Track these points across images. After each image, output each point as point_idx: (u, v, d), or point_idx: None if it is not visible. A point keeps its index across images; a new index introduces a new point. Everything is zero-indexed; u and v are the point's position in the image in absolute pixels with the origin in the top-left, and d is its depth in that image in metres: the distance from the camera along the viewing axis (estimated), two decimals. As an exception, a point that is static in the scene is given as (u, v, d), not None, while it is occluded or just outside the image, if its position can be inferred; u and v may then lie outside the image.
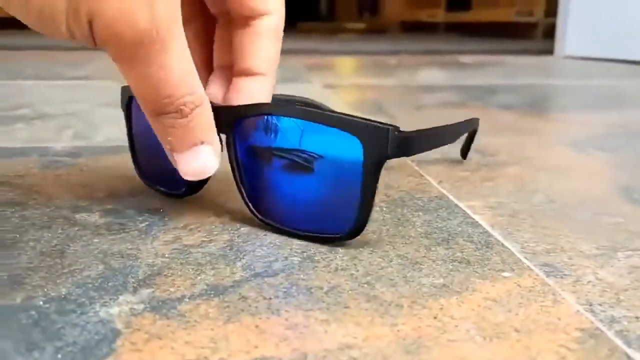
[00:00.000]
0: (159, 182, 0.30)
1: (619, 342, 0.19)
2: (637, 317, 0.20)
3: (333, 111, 0.27)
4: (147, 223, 0.27)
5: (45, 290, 0.21)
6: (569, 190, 0.33)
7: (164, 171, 0.27)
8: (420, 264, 0.23)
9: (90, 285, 0.21)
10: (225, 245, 0.25)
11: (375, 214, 0.28)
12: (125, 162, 0.35)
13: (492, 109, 0.61)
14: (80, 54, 1.16)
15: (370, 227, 0.27)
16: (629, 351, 0.18)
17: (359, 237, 0.25)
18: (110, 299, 0.20)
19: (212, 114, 0.23)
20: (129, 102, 0.30)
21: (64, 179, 0.33)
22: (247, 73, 0.26)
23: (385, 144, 0.23)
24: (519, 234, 0.27)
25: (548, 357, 0.18)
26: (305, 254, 0.24)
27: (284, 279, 0.22)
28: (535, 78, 0.88)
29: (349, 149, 0.23)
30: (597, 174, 0.37)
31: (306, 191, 0.25)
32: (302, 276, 0.22)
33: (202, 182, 0.28)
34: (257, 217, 0.26)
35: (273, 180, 0.26)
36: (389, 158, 0.23)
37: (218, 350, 0.18)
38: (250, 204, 0.26)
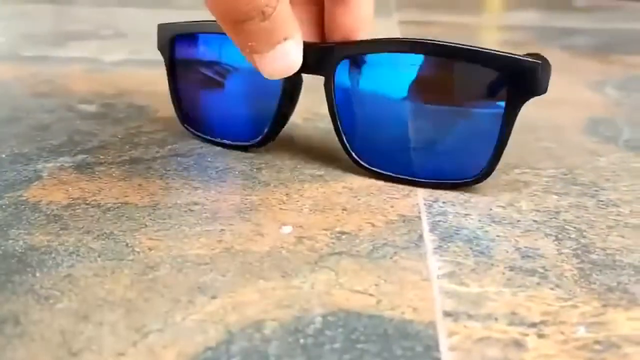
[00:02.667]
0: (221, 134, 0.28)
1: (425, 227, 0.21)
2: (465, 215, 0.22)
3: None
4: (124, 114, 0.33)
5: (14, 149, 0.27)
6: (538, 118, 0.33)
7: (231, 120, 0.27)
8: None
9: (47, 149, 0.28)
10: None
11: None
12: (152, 76, 0.41)
13: (552, 49, 0.60)
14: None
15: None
16: (426, 235, 0.21)
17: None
18: (52, 158, 0.27)
19: (289, 6, 0.22)
20: (172, 43, 0.28)
21: (90, 78, 0.40)
22: None
23: (535, 79, 0.22)
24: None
25: (347, 228, 0.21)
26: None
27: (193, 158, 0.27)
28: (633, 23, 0.82)
29: (491, 87, 0.22)
30: (584, 107, 0.37)
31: (432, 137, 0.24)
32: (210, 158, 0.27)
33: (280, 127, 0.27)
34: (365, 167, 0.25)
35: (387, 128, 0.25)
36: (537, 94, 0.22)
37: (99, 194, 0.23)
38: (353, 153, 0.25)
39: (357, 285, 0.18)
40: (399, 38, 0.25)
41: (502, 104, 0.22)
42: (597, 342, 0.16)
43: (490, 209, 0.23)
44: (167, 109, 0.33)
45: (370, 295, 0.17)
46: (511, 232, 0.21)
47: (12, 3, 0.76)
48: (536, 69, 0.22)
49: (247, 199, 0.23)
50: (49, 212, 0.22)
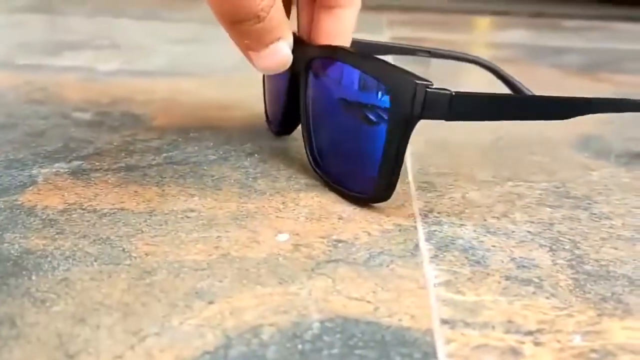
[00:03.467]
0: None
1: (421, 237, 0.22)
2: (461, 225, 0.23)
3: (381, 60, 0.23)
4: (119, 122, 0.33)
5: (9, 155, 0.27)
6: (529, 133, 0.34)
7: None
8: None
9: (42, 155, 0.27)
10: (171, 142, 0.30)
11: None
12: (139, 84, 0.41)
13: (542, 67, 0.61)
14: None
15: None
16: (422, 244, 0.21)
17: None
18: (47, 164, 0.26)
19: (283, 9, 0.23)
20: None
21: (84, 87, 0.40)
22: (329, 4, 0.26)
23: (412, 100, 0.20)
24: (431, 160, 0.29)
25: (344, 236, 0.21)
26: (224, 154, 0.29)
27: (189, 166, 0.27)
28: (622, 43, 0.83)
29: (380, 101, 0.22)
30: (575, 123, 0.37)
31: (343, 145, 0.25)
32: (205, 167, 0.27)
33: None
34: (312, 167, 0.26)
35: (327, 128, 0.26)
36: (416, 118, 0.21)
37: (94, 200, 0.23)
38: (307, 149, 0.26)
39: (355, 293, 0.18)
40: (330, 47, 0.25)
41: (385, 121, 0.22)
42: (593, 350, 0.16)
43: (485, 220, 0.23)
44: (162, 117, 0.33)
45: (368, 302, 0.18)
46: (506, 242, 0.21)
47: (6, 12, 0.76)
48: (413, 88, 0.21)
49: (243, 207, 0.23)
50: (44, 217, 0.22)
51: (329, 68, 0.25)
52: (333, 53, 0.25)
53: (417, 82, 0.20)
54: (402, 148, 0.21)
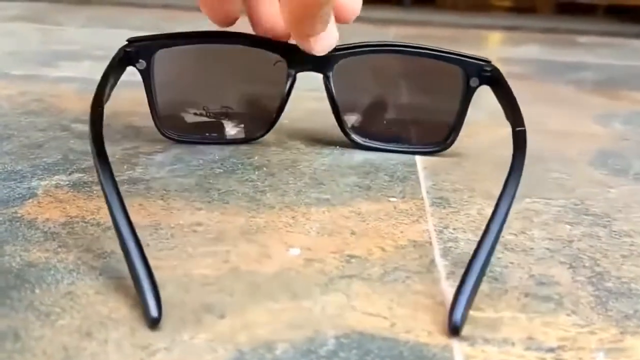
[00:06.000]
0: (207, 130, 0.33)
1: (436, 253, 0.22)
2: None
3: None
4: (120, 135, 0.34)
5: (7, 167, 0.28)
6: (546, 149, 0.34)
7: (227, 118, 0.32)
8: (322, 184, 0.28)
9: (41, 167, 0.28)
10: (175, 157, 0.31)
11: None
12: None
13: (557, 83, 0.61)
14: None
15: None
16: (438, 260, 0.21)
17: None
18: (47, 176, 0.27)
19: None
20: (150, 53, 0.30)
21: (82, 98, 0.41)
22: None
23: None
24: (445, 175, 0.30)
25: (357, 251, 0.22)
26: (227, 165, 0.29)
27: (194, 179, 0.27)
28: (637, 60, 0.84)
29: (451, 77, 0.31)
30: (592, 140, 0.38)
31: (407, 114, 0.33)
32: (211, 180, 0.28)
33: (277, 118, 0.32)
34: (358, 143, 0.32)
35: (377, 110, 0.33)
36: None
37: (97, 213, 0.24)
38: (351, 133, 0.32)
39: (370, 308, 0.18)
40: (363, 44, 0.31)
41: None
42: (617, 367, 0.16)
43: (502, 237, 0.23)
44: (165, 130, 0.34)
45: (384, 318, 0.18)
46: (524, 259, 0.22)
47: (-3, 22, 0.77)
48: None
49: (252, 221, 0.24)
50: (46, 229, 0.22)
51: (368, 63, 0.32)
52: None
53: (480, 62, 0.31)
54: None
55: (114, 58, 0.30)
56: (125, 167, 0.28)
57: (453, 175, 0.30)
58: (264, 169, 0.29)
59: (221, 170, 0.29)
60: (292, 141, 0.33)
